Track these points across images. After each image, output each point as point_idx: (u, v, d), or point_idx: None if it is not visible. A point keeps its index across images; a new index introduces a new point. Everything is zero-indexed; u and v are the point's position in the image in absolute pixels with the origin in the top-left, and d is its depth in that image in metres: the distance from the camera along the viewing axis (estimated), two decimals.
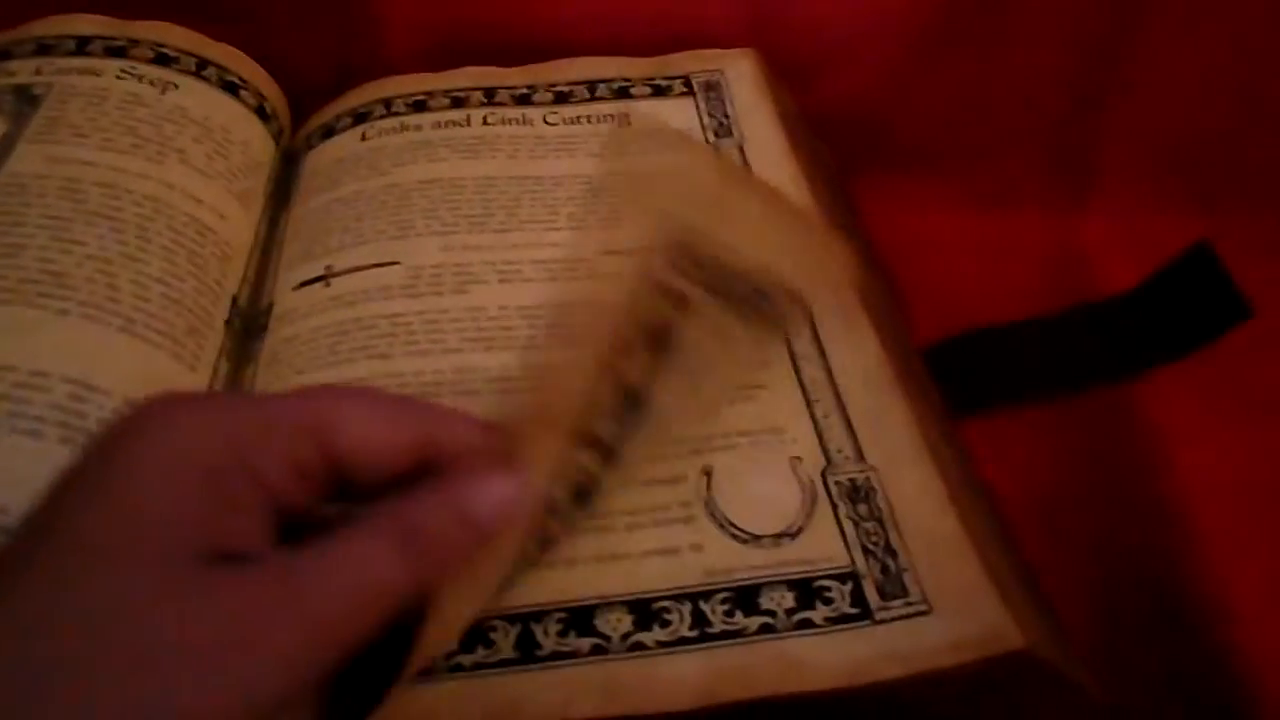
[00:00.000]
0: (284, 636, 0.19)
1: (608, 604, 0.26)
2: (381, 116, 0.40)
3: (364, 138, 0.39)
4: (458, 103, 0.40)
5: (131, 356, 0.31)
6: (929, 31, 0.42)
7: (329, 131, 0.40)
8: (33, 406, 0.29)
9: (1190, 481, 0.33)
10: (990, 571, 0.27)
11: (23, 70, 0.38)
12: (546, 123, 0.39)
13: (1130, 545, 0.33)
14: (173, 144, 0.37)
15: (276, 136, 0.41)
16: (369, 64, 0.42)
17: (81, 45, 0.39)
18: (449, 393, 0.30)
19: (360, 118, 0.40)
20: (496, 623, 0.26)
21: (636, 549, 0.27)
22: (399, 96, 0.40)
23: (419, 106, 0.40)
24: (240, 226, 0.37)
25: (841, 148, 0.44)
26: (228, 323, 0.34)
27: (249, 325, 0.35)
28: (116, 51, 0.39)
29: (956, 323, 0.39)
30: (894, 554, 0.27)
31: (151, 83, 0.38)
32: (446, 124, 0.39)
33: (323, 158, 0.39)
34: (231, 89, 0.40)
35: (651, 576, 0.27)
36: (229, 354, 0.34)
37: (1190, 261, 0.35)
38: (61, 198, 0.34)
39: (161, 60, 0.39)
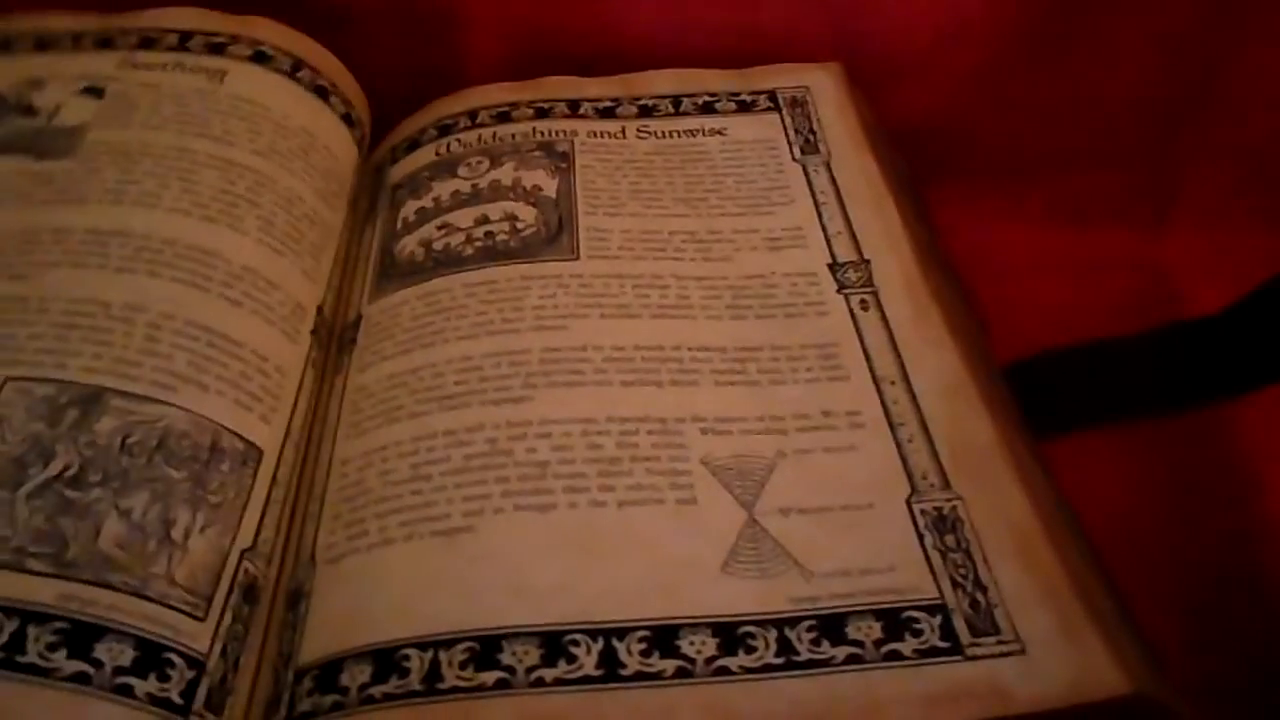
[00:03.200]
0: None
1: (690, 625, 0.26)
2: (466, 128, 0.40)
3: (448, 149, 0.39)
4: (541, 113, 0.40)
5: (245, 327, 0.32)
6: (1011, 41, 0.42)
7: (413, 144, 0.40)
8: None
9: None
10: (1089, 608, 0.26)
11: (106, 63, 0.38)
12: (638, 137, 0.39)
13: (1219, 572, 0.32)
14: (253, 134, 0.37)
15: (359, 143, 0.41)
16: (451, 74, 0.42)
17: (183, 40, 0.40)
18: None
19: (444, 130, 0.40)
20: (579, 636, 0.26)
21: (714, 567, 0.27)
22: (483, 107, 0.40)
23: (503, 118, 0.40)
24: (327, 227, 0.37)
25: (919, 159, 0.43)
26: (313, 331, 0.34)
27: (339, 337, 0.35)
28: (216, 48, 0.39)
29: (1036, 340, 0.38)
30: (984, 588, 0.26)
31: (208, 73, 0.38)
32: (534, 134, 0.39)
33: (407, 169, 0.39)
34: (322, 93, 0.40)
35: (734, 599, 0.26)
36: (314, 362, 0.34)
37: None
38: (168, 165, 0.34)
39: (259, 58, 0.39)
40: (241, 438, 0.30)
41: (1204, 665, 0.30)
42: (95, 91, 0.37)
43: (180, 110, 0.37)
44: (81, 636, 0.25)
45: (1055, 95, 0.41)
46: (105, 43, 0.40)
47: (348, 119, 0.41)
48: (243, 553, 0.28)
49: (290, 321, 0.33)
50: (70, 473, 0.27)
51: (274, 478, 0.30)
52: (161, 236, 0.33)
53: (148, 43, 0.40)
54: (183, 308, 0.31)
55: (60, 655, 0.24)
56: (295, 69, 0.40)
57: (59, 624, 0.25)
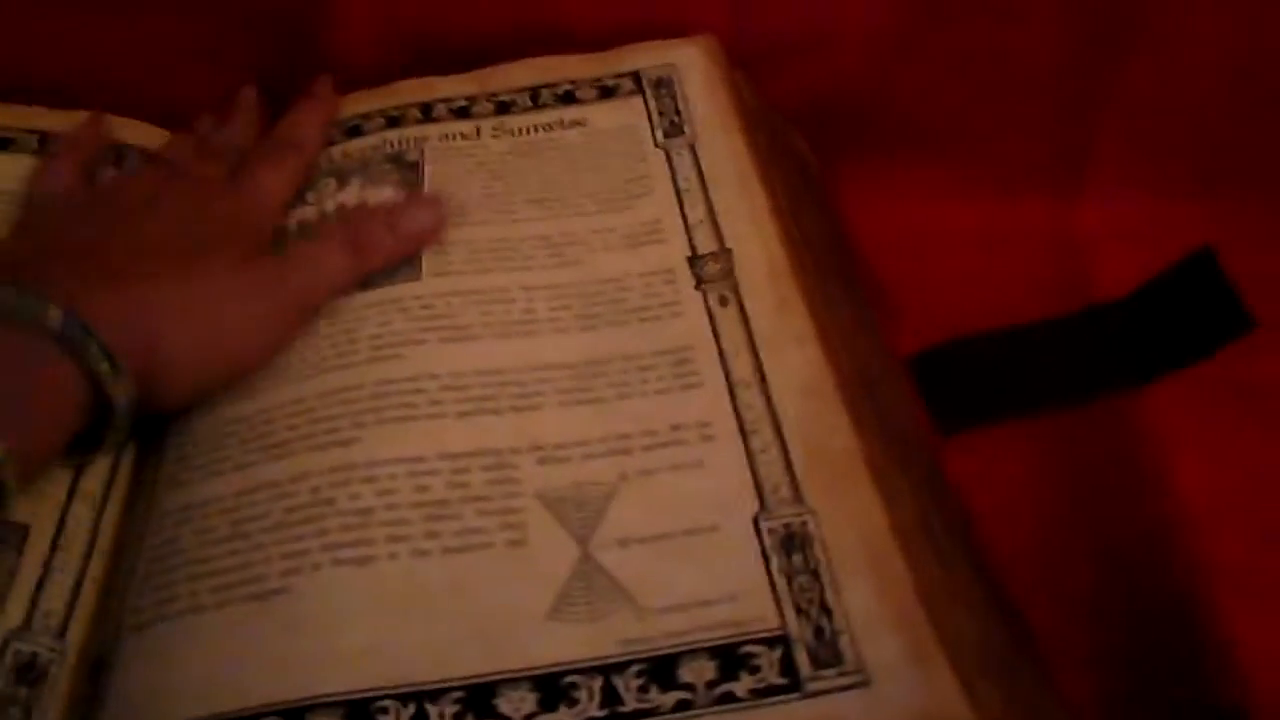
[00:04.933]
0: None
1: (509, 680, 0.24)
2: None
3: None
4: (393, 122, 0.38)
5: None
6: (921, 9, 0.39)
7: None
8: None
9: (1192, 492, 0.29)
10: (942, 632, 0.23)
11: None
12: (492, 136, 0.37)
13: (1130, 560, 0.30)
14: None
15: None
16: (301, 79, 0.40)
17: None
18: None
19: None
20: (388, 702, 0.24)
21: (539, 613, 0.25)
22: (334, 122, 0.38)
23: (354, 132, 0.38)
24: None
25: (826, 135, 0.41)
26: None
27: None
28: None
29: (951, 318, 0.36)
30: (829, 613, 0.24)
31: None
32: (385, 145, 0.37)
33: None
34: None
35: (560, 647, 0.24)
36: None
37: (1192, 268, 0.32)
38: None
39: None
40: None
41: (1114, 666, 0.28)
42: None
43: None
44: None
45: (966, 64, 0.39)
46: None
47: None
48: (9, 635, 0.27)
49: None
50: None
51: (54, 546, 0.29)
52: None
53: None
54: None
55: None
56: (42, 142, 0.38)
57: None
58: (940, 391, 0.34)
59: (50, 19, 0.39)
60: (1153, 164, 0.38)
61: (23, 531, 0.29)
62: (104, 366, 0.27)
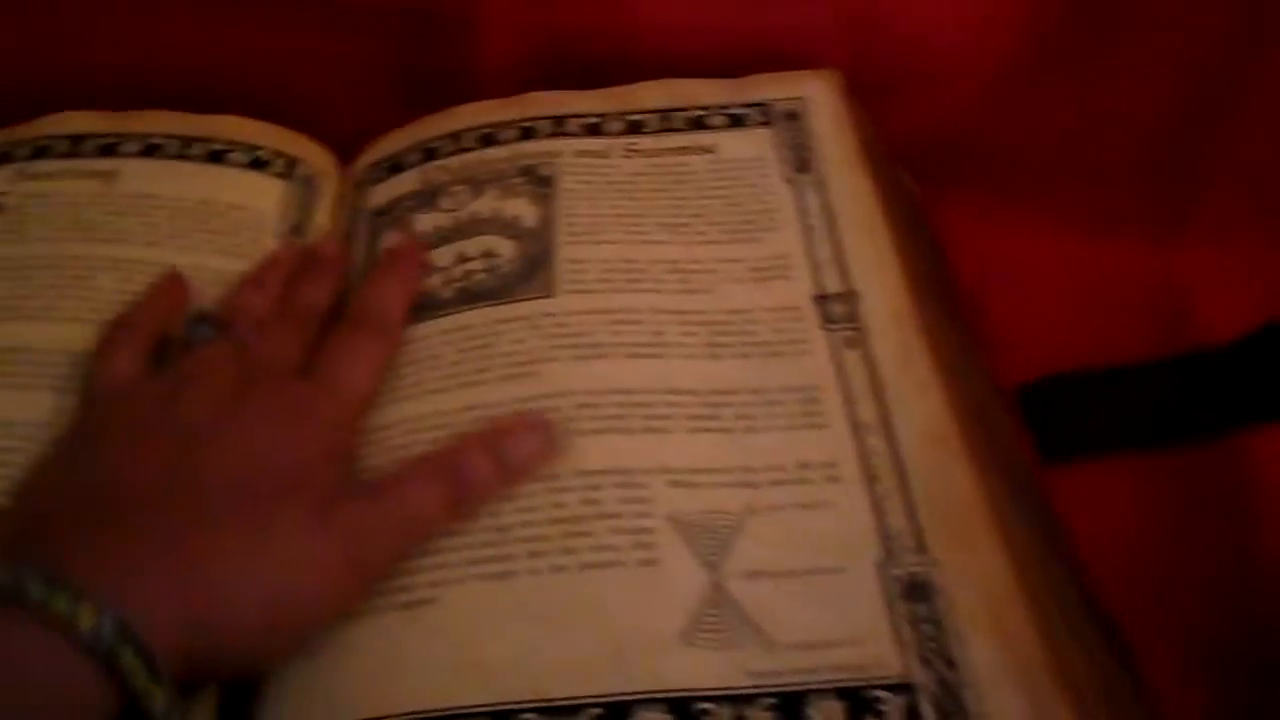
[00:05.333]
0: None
1: (644, 701, 0.25)
2: (450, 152, 0.39)
3: (430, 176, 0.38)
4: (527, 134, 0.39)
5: None
6: (1034, 49, 0.39)
7: (396, 167, 0.39)
8: None
9: None
10: (1066, 690, 0.24)
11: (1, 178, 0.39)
12: (624, 156, 0.38)
13: (1233, 603, 0.31)
14: (148, 227, 0.37)
15: (287, 173, 0.40)
16: (462, 76, 0.41)
17: (74, 145, 0.40)
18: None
19: (428, 153, 0.39)
20: (529, 716, 0.25)
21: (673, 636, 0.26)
22: (468, 129, 0.39)
23: (487, 140, 0.39)
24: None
25: (930, 167, 0.42)
26: None
27: None
28: (107, 149, 0.40)
29: (1049, 355, 0.37)
30: (953, 665, 0.25)
31: (100, 176, 0.38)
32: (518, 157, 0.38)
33: (389, 194, 0.39)
34: (217, 157, 0.40)
35: (692, 672, 0.26)
36: None
37: None
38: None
39: (149, 151, 0.40)
40: None
41: (1205, 701, 0.29)
42: None
43: (74, 218, 0.37)
44: None
45: (1075, 105, 0.39)
46: (2, 157, 0.40)
47: (256, 164, 0.40)
48: None
49: None
50: None
51: None
52: (60, 348, 0.33)
53: (40, 152, 0.40)
54: None
55: None
56: (185, 148, 0.40)
57: None
58: (1042, 425, 0.35)
59: (191, 30, 0.40)
60: (1258, 213, 0.38)
61: None
62: (141, 679, 0.23)
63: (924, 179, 0.41)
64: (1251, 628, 0.30)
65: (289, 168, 0.40)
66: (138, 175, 0.39)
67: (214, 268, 0.36)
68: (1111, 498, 0.32)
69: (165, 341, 0.33)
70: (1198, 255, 0.38)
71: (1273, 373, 0.33)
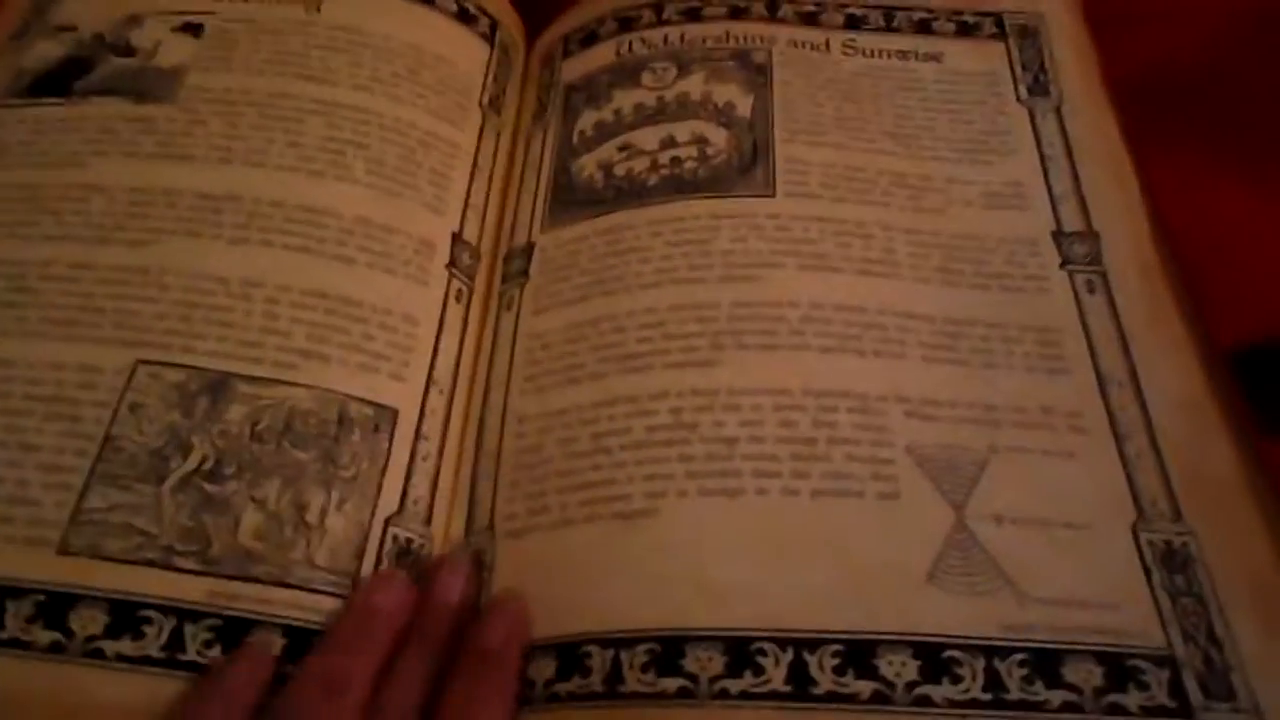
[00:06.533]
0: None
1: (890, 642, 0.24)
2: (650, 24, 0.36)
3: (629, 49, 0.35)
4: (736, 13, 0.36)
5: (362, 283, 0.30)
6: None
7: (590, 37, 0.36)
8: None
9: None
10: None
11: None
12: (843, 52, 0.35)
13: None
14: (354, 67, 0.34)
15: (490, 35, 0.37)
16: None
17: None
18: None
19: (625, 24, 0.36)
20: (767, 645, 0.24)
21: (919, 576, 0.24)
22: (670, 0, 0.36)
23: (692, 15, 0.36)
24: (451, 147, 0.34)
25: (1144, 116, 0.38)
26: (450, 264, 0.31)
27: (506, 265, 0.32)
28: None
29: (1265, 319, 0.34)
30: (1218, 644, 0.24)
31: (305, 1, 0.35)
32: (728, 38, 0.35)
33: (583, 68, 0.35)
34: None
35: (940, 616, 0.24)
36: (458, 295, 0.31)
37: None
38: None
39: None
40: (371, 403, 0.28)
41: None
42: (193, 28, 0.35)
43: (278, 49, 0.34)
44: (234, 631, 0.25)
45: None
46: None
47: (463, 15, 0.37)
48: (388, 520, 0.27)
49: (415, 264, 0.31)
50: (207, 465, 0.27)
51: (418, 433, 0.28)
52: (270, 199, 0.31)
53: None
54: (297, 277, 0.30)
55: (215, 652, 0.24)
56: None
57: (211, 620, 0.25)
58: (1260, 391, 0.33)
59: None
60: None
61: (393, 416, 0.28)
62: None
63: (1138, 127, 0.38)
64: None
65: (492, 30, 0.37)
66: (344, 4, 0.35)
67: (424, 127, 0.33)
68: None
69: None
70: None
71: None
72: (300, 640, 0.25)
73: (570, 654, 0.24)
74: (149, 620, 0.24)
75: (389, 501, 0.27)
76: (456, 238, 0.32)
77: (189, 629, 0.24)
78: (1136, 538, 0.25)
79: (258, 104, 0.33)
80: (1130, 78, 0.38)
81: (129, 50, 0.34)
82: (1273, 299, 0.35)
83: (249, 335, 0.28)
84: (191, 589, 0.25)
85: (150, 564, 0.25)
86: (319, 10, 0.35)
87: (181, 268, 0.29)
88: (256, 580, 0.25)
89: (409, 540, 0.27)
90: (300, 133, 0.32)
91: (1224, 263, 0.35)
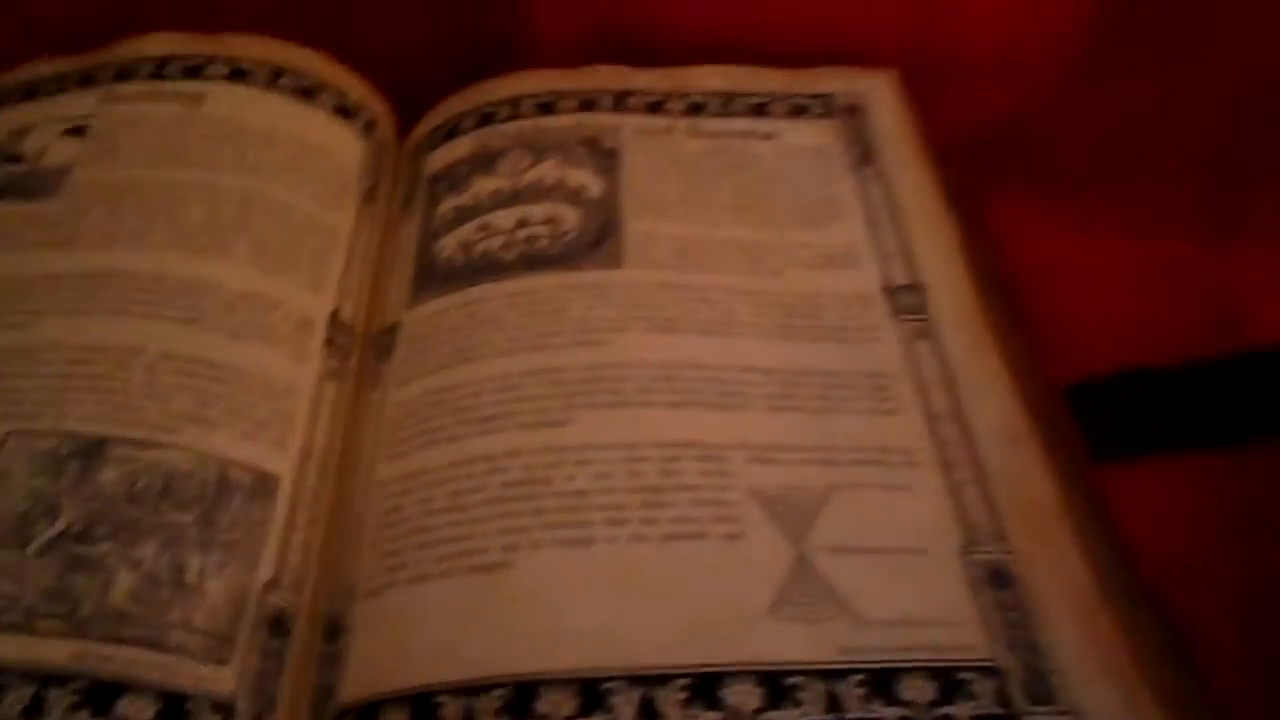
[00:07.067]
0: None
1: (735, 673, 0.25)
2: (507, 118, 0.38)
3: (488, 142, 0.37)
4: (587, 105, 0.38)
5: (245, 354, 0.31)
6: (1092, 47, 0.40)
7: (451, 132, 0.39)
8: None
9: None
10: (1151, 683, 0.25)
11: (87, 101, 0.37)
12: (687, 135, 0.38)
13: None
14: (237, 155, 0.36)
15: (367, 130, 0.39)
16: (511, 46, 0.41)
17: (159, 67, 0.38)
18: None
19: (484, 119, 0.38)
20: (618, 684, 0.24)
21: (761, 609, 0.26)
22: (526, 96, 0.39)
23: (546, 109, 0.38)
24: (330, 231, 0.35)
25: (984, 166, 0.41)
26: (328, 342, 0.33)
27: (374, 344, 0.34)
28: (192, 71, 0.38)
29: (1099, 356, 0.37)
30: (1040, 653, 0.25)
31: (186, 99, 0.37)
32: (580, 128, 0.38)
33: (445, 159, 0.38)
34: (307, 95, 0.39)
35: (781, 645, 0.25)
36: (333, 373, 0.32)
37: None
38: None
39: (236, 75, 0.38)
40: (252, 469, 0.29)
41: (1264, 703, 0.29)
42: (78, 131, 0.37)
43: (161, 141, 0.36)
44: (102, 695, 0.24)
45: (1131, 105, 0.39)
46: (86, 80, 0.39)
47: (342, 111, 0.39)
48: (265, 586, 0.27)
49: (296, 339, 0.32)
50: (77, 528, 0.27)
51: (295, 502, 0.29)
52: (151, 274, 0.32)
53: (125, 74, 0.39)
54: (179, 345, 0.30)
55: (83, 715, 0.24)
56: (275, 78, 0.39)
57: (77, 684, 0.24)
58: (1093, 424, 0.35)
59: None
60: None
61: (274, 483, 0.29)
62: None
63: (977, 176, 0.41)
64: None
65: (369, 128, 0.39)
66: (225, 100, 0.37)
67: (305, 211, 0.35)
68: (1163, 499, 0.32)
69: None
70: (1252, 256, 0.38)
71: None
72: (174, 707, 0.25)
73: (423, 704, 0.24)
74: (6, 687, 0.24)
75: (267, 568, 0.28)
76: (334, 318, 0.34)
77: (53, 693, 0.24)
78: (965, 560, 0.27)
79: (139, 191, 0.34)
80: (965, 133, 0.41)
81: (17, 158, 0.36)
82: (1102, 335, 0.38)
83: (128, 400, 0.29)
84: (55, 652, 0.25)
85: (10, 628, 0.25)
86: (201, 106, 0.37)
87: (60, 342, 0.30)
88: (128, 643, 0.25)
89: (282, 609, 0.27)
90: (183, 214, 0.34)
91: (1057, 301, 0.38)
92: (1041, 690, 0.25)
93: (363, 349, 0.34)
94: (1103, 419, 0.35)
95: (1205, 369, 0.36)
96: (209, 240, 0.33)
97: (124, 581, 0.26)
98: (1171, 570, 0.31)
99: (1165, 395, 0.35)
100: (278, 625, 0.27)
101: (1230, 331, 0.37)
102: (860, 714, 0.24)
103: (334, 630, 0.27)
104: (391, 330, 0.33)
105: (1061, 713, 0.24)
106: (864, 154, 0.37)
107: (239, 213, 0.34)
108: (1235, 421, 0.34)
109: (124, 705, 0.24)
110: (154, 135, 0.36)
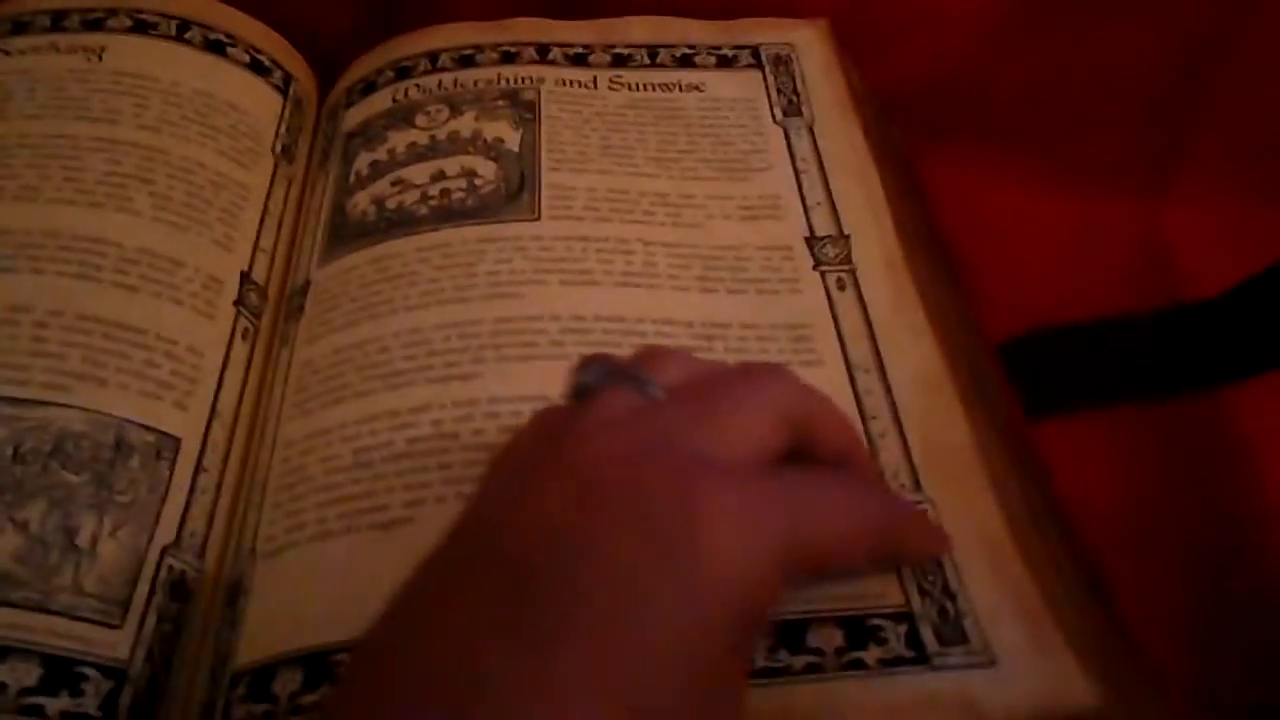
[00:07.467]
0: None
1: None
2: (425, 72, 0.37)
3: (405, 95, 0.36)
4: (508, 58, 0.37)
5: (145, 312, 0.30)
6: (1025, 1, 0.39)
7: (369, 87, 0.38)
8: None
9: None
10: (1061, 621, 0.24)
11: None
12: (610, 88, 0.37)
13: (1217, 557, 0.31)
14: (139, 109, 0.34)
15: (283, 86, 0.38)
16: (418, 9, 0.39)
17: (57, 20, 0.37)
18: None
19: (402, 72, 0.37)
20: None
21: None
22: (445, 49, 0.38)
23: (466, 61, 0.37)
24: (241, 189, 0.34)
25: (917, 121, 0.41)
26: (238, 303, 0.32)
27: (287, 304, 0.33)
28: (93, 24, 0.37)
29: (1033, 310, 0.37)
30: (952, 597, 0.25)
31: (86, 51, 0.36)
32: (499, 80, 0.37)
33: (361, 115, 0.37)
34: (217, 48, 0.37)
35: None
36: (244, 334, 0.32)
37: None
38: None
39: (139, 28, 0.37)
40: (152, 429, 0.28)
41: (1202, 660, 0.29)
42: None
43: (57, 95, 0.35)
44: None
45: (1063, 59, 0.39)
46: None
47: (257, 66, 0.38)
48: (164, 549, 0.27)
49: (203, 297, 0.31)
50: None
51: (199, 465, 0.28)
52: (43, 230, 0.31)
53: (20, 27, 0.37)
54: (71, 302, 0.29)
55: None
56: (182, 30, 0.37)
57: None
58: (1027, 378, 0.35)
59: None
60: (1244, 169, 0.38)
61: (175, 445, 0.28)
62: None
63: (911, 131, 0.40)
64: (1235, 579, 0.31)
65: (285, 83, 0.38)
66: (128, 53, 0.36)
67: (214, 168, 0.34)
68: (1095, 452, 0.32)
69: None
70: (1183, 210, 0.39)
71: (1255, 327, 0.34)
72: (59, 670, 0.24)
73: (318, 664, 0.24)
74: None
75: (166, 531, 0.27)
76: (245, 277, 0.33)
77: None
78: None
79: (32, 145, 0.33)
80: (898, 88, 0.41)
81: None
82: (1037, 290, 0.37)
83: (14, 359, 0.28)
84: None
85: None
86: (100, 59, 0.36)
87: None
88: (12, 605, 0.24)
89: (183, 572, 0.27)
90: (79, 169, 0.32)
91: (995, 257, 0.38)
92: (953, 632, 0.24)
93: (276, 308, 0.33)
94: (1037, 373, 0.35)
95: (1138, 322, 0.36)
96: (107, 195, 0.32)
97: (8, 543, 0.25)
98: (1108, 520, 0.31)
99: (1099, 349, 0.35)
100: (178, 589, 0.26)
101: (1164, 285, 0.37)
102: (767, 664, 0.24)
103: (234, 594, 0.26)
104: (304, 289, 0.33)
105: (973, 653, 0.24)
106: (791, 105, 0.37)
107: (140, 168, 0.33)
108: (1168, 374, 0.34)
109: (5, 669, 0.23)
110: (51, 88, 0.35)
